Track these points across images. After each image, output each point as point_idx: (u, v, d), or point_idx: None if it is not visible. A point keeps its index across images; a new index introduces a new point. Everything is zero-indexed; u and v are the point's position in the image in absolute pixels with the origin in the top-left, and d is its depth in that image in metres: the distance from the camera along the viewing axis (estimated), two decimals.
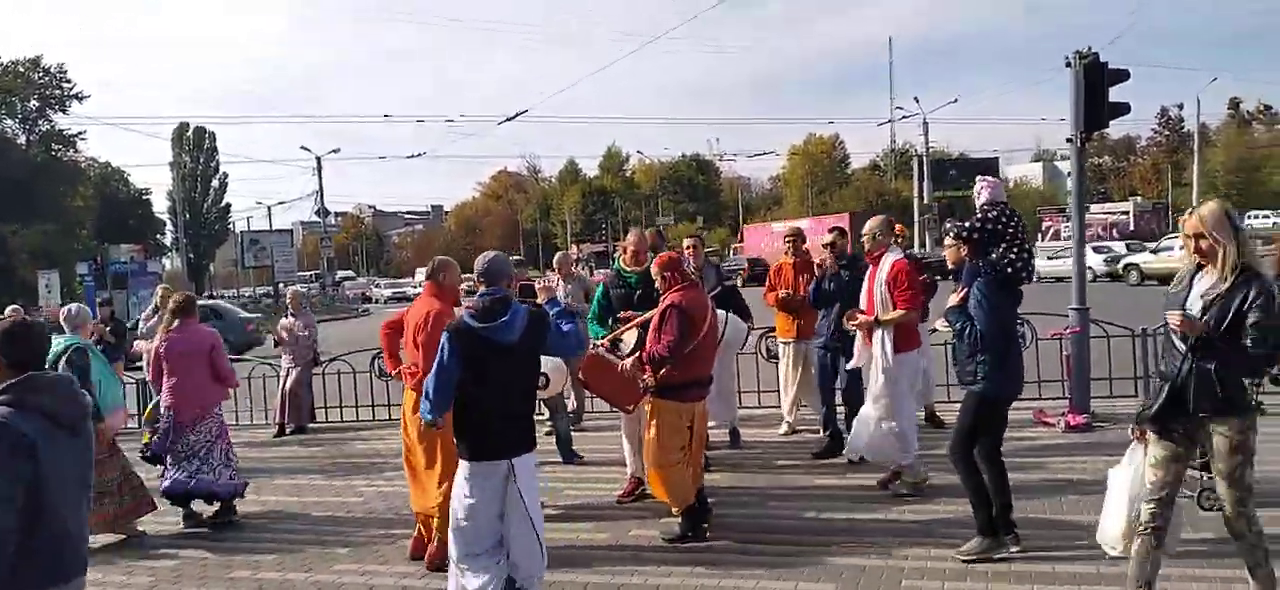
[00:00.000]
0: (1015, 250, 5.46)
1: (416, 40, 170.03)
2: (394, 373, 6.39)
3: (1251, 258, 3.87)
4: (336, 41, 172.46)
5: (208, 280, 74.86)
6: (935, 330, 6.65)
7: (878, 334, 6.41)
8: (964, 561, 5.09)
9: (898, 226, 9.02)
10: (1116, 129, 67.75)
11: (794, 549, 5.60)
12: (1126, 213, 47.71)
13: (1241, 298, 3.77)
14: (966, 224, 5.82)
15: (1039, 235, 50.68)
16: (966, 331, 5.10)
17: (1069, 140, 9.03)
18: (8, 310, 11.55)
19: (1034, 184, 74.79)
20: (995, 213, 5.77)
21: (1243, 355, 3.77)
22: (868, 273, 6.69)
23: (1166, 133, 70.72)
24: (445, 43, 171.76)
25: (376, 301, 56.47)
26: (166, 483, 6.98)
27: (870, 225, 6.77)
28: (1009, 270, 5.43)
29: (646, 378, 5.84)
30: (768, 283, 8.77)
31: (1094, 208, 47.84)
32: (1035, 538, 5.33)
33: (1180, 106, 68.38)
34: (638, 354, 5.94)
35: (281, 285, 45.82)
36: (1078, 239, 9.18)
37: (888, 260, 6.52)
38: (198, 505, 7.09)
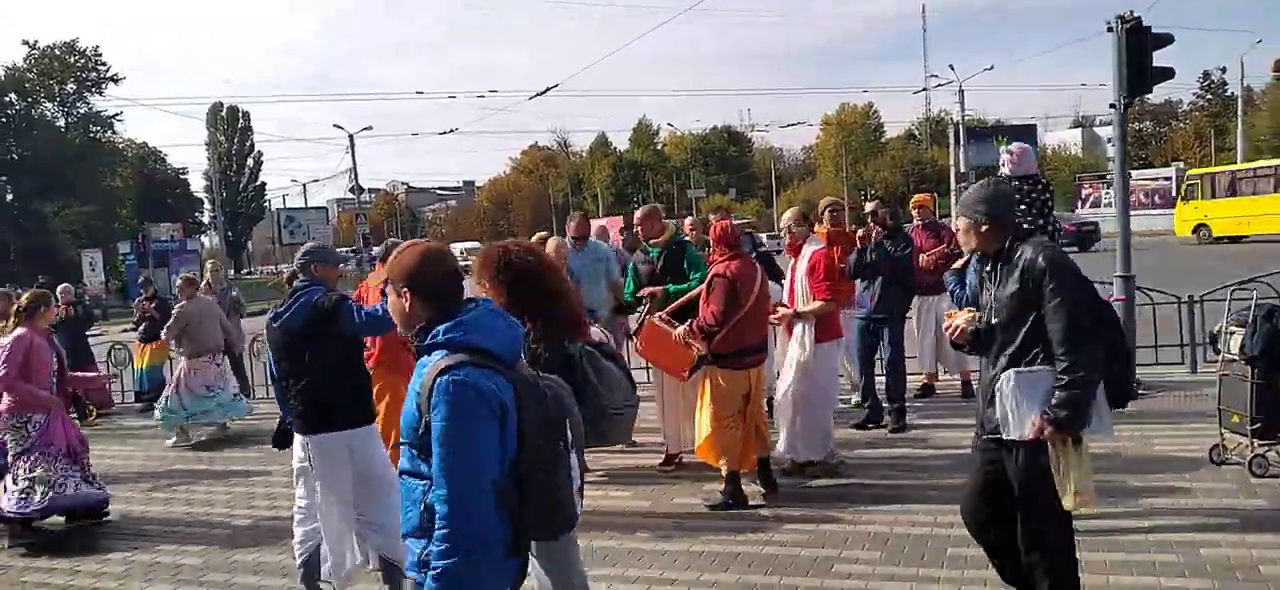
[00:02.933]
0: (1027, 221, 5.34)
1: (450, 15, 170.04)
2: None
3: None
4: (370, 21, 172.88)
5: (246, 257, 75.86)
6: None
7: (798, 326, 6.41)
8: None
9: (920, 199, 8.97)
10: (1158, 93, 66.33)
11: (836, 517, 5.62)
12: (1169, 179, 46.74)
13: None
14: None
15: (1079, 202, 49.91)
16: (955, 295, 5.12)
17: (1112, 106, 8.88)
18: (59, 289, 11.80)
19: (1073, 150, 73.55)
20: (1010, 187, 5.69)
21: None
22: (790, 265, 6.68)
23: (1209, 97, 69.12)
24: (477, 17, 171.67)
25: None
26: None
27: (786, 218, 6.80)
28: None
29: (699, 346, 5.89)
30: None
31: (1136, 174, 46.96)
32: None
33: (1223, 69, 66.79)
34: (689, 323, 6.01)
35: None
36: (1121, 205, 9.04)
37: (807, 250, 6.52)
38: None
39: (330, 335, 4.52)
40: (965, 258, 5.37)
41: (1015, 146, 6.07)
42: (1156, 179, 48.62)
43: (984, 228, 3.67)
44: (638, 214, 7.59)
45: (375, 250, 9.79)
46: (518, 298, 3.42)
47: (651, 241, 7.21)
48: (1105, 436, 3.71)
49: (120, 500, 7.39)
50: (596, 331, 5.19)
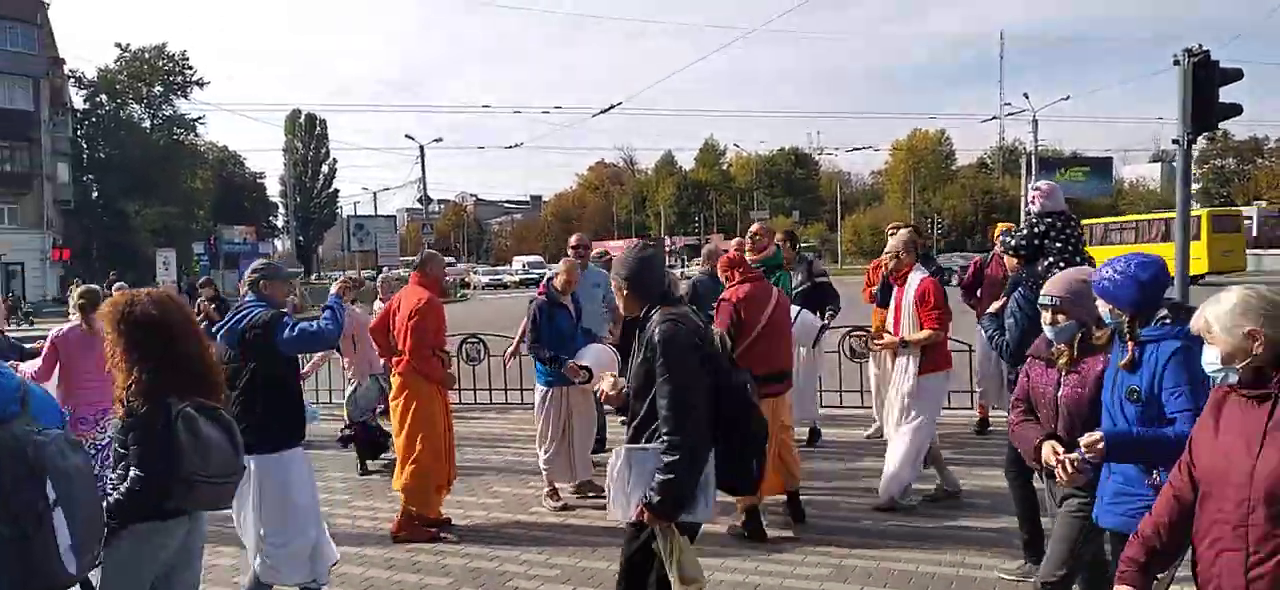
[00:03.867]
0: (1062, 263, 5.21)
1: (520, 30, 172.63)
2: (389, 363, 6.73)
3: None
4: (447, 34, 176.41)
5: (316, 262, 77.67)
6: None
7: (903, 356, 6.20)
8: (1010, 581, 4.94)
9: (1006, 224, 8.75)
10: (1242, 130, 64.26)
11: (862, 551, 5.52)
12: (1250, 218, 45.19)
13: None
14: (1014, 238, 5.68)
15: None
16: (995, 341, 5.02)
17: (1175, 141, 8.66)
18: (115, 285, 12.21)
19: (1151, 184, 71.54)
20: (1043, 226, 5.54)
21: None
22: (895, 292, 6.46)
23: None
24: (546, 34, 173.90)
25: (475, 289, 57.64)
26: None
27: (895, 243, 6.49)
28: None
29: None
30: (866, 279, 8.67)
31: (1211, 211, 45.54)
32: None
33: None
34: None
35: (384, 268, 47.44)
36: (1181, 243, 8.80)
37: (914, 278, 6.29)
38: None
39: (265, 354, 4.56)
40: (1002, 300, 5.28)
41: (1043, 184, 5.93)
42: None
43: (624, 292, 3.63)
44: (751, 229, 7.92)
45: (384, 273, 9.94)
46: (137, 349, 3.23)
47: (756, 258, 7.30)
48: (703, 518, 3.51)
49: None
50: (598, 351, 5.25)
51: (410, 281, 6.60)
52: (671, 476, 3.27)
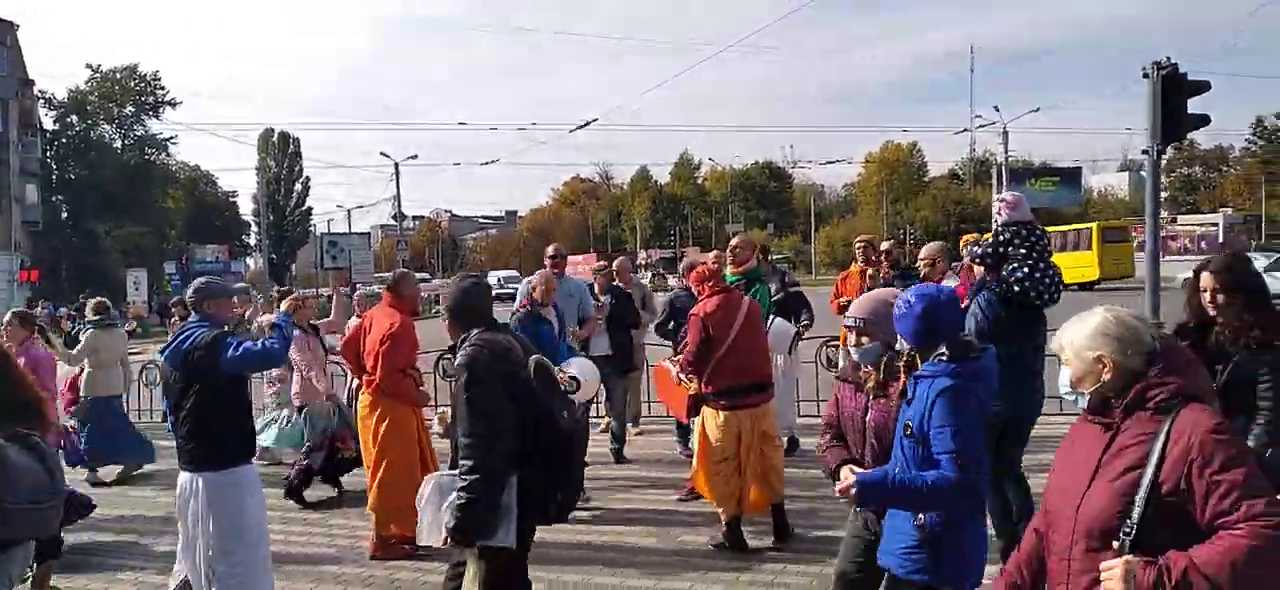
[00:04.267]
0: (1025, 270, 5.31)
1: (494, 52, 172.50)
2: (360, 381, 6.67)
3: None
4: (420, 55, 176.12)
5: (289, 280, 77.09)
6: None
7: None
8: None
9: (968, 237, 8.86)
10: (1208, 139, 65.30)
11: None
12: (1216, 225, 45.86)
13: None
14: (980, 247, 5.78)
15: None
16: None
17: (1144, 152, 8.78)
18: (90, 304, 12.04)
19: (1120, 193, 72.50)
20: (1007, 234, 5.63)
21: None
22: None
23: (1261, 142, 67.86)
24: (521, 53, 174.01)
25: None
26: None
27: (932, 249, 6.76)
28: (1016, 289, 5.29)
29: (692, 386, 5.92)
30: (834, 290, 8.71)
31: (1181, 219, 46.26)
32: None
33: (1278, 115, 65.66)
34: (679, 362, 6.07)
35: (358, 285, 47.24)
36: (1151, 252, 8.92)
37: (948, 285, 6.38)
38: None
39: (210, 374, 4.52)
40: (966, 302, 5.33)
41: (1009, 195, 6.01)
42: (1203, 225, 47.75)
43: (445, 322, 3.67)
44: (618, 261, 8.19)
45: (360, 288, 9.87)
46: None
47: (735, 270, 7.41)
48: (505, 543, 3.46)
49: (133, 521, 7.53)
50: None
51: (383, 301, 6.53)
52: (468, 501, 3.26)
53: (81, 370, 9.19)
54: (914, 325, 3.05)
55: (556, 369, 6.35)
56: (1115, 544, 2.19)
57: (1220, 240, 40.17)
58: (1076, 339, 2.40)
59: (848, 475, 3.10)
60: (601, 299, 8.40)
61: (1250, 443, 3.47)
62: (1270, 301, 3.78)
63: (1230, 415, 3.31)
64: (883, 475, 3.01)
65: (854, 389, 3.46)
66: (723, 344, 5.74)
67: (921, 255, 6.92)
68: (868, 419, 3.35)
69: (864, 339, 3.38)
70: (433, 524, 3.47)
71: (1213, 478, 2.11)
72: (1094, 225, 37.11)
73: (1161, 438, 2.21)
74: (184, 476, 4.62)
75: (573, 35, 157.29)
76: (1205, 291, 3.75)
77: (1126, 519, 2.19)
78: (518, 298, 7.91)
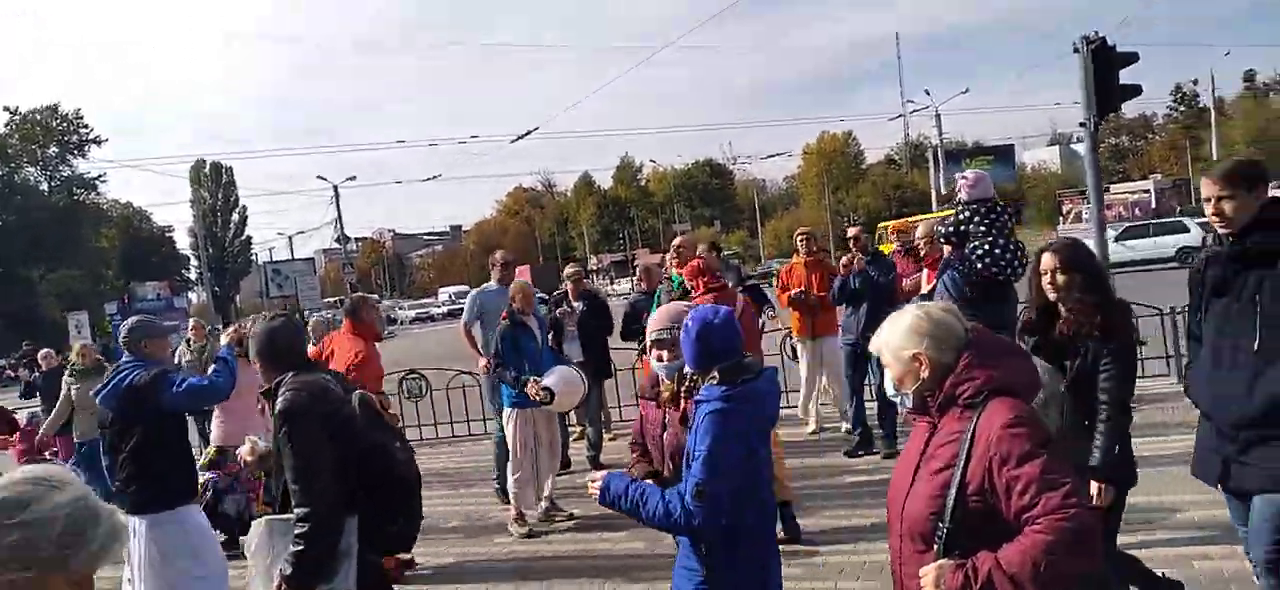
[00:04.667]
0: (985, 246, 5.44)
1: (421, 67, 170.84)
2: None
3: None
4: (345, 75, 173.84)
5: (235, 313, 75.60)
6: None
7: None
8: None
9: (897, 224, 9.11)
10: (1132, 109, 67.09)
11: (834, 548, 5.64)
12: (1147, 191, 47.22)
13: None
14: (944, 227, 5.91)
15: (1061, 219, 50.28)
16: None
17: (1082, 124, 9.05)
18: (41, 354, 11.74)
19: (1052, 167, 74.25)
20: (967, 213, 5.77)
21: None
22: (925, 276, 6.82)
23: (1182, 109, 70.02)
24: (451, 69, 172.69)
25: (402, 323, 56.80)
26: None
27: (922, 232, 7.06)
28: (979, 266, 5.44)
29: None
30: (779, 282, 8.83)
31: (1114, 188, 47.52)
32: None
33: (1195, 82, 67.81)
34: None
35: (307, 312, 46.48)
36: (1097, 222, 9.20)
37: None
38: None
39: (148, 413, 4.49)
40: (932, 284, 5.50)
41: (970, 173, 6.07)
42: (1135, 192, 49.11)
43: (257, 366, 3.63)
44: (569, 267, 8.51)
45: (322, 312, 9.71)
46: None
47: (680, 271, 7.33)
48: (344, 587, 3.33)
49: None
50: None
51: (344, 328, 6.45)
52: (302, 548, 3.20)
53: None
54: (691, 348, 2.95)
55: (531, 378, 6.45)
56: (935, 545, 2.19)
57: (1153, 206, 41.32)
58: (892, 339, 2.37)
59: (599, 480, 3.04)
60: (574, 305, 8.42)
61: (1099, 440, 3.41)
62: (1109, 290, 3.67)
63: (1081, 410, 3.35)
64: (628, 483, 2.96)
65: (656, 404, 3.27)
66: None
67: (919, 235, 7.46)
68: (665, 437, 3.16)
69: (665, 353, 3.17)
70: (264, 573, 3.36)
71: (1011, 475, 2.10)
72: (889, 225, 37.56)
73: (969, 435, 2.19)
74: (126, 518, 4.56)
75: (500, 47, 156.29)
76: (1046, 273, 3.59)
77: (940, 520, 2.18)
78: (467, 310, 7.90)
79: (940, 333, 2.31)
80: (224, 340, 5.16)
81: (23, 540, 1.52)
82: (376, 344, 6.52)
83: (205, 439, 8.34)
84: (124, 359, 4.73)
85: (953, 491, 2.17)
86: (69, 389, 8.99)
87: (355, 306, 6.55)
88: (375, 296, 64.37)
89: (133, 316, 5.23)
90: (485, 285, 8.10)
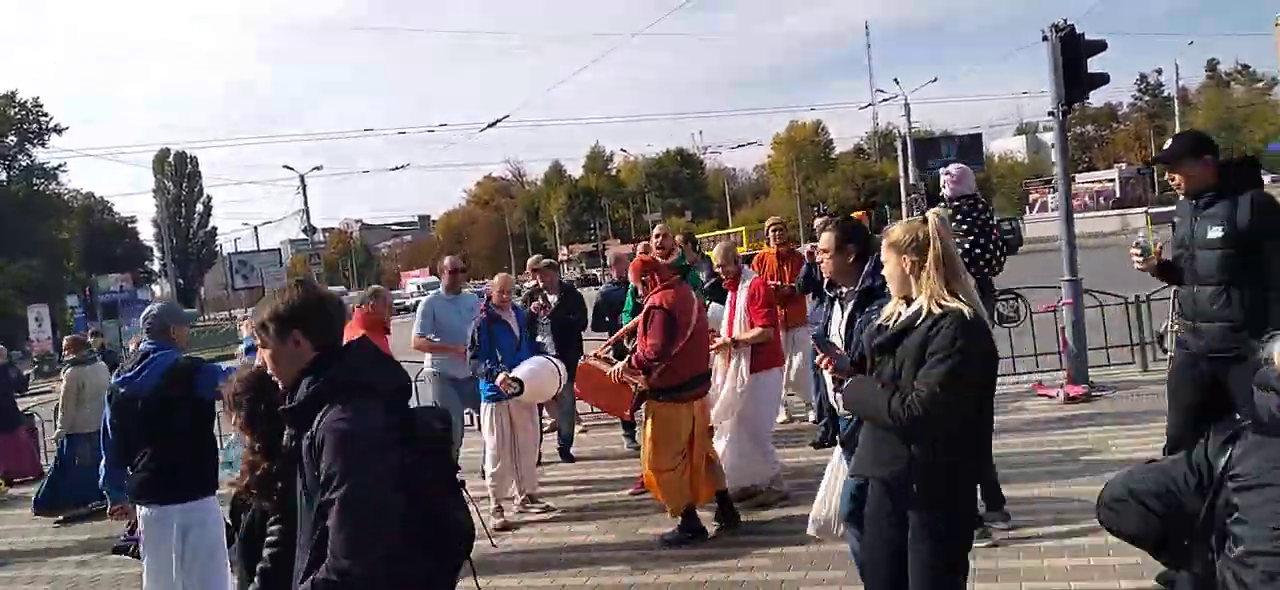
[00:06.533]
0: (969, 242, 5.43)
1: (387, 55, 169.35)
2: None
3: None
4: (310, 61, 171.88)
5: (199, 304, 74.67)
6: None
7: (735, 356, 6.30)
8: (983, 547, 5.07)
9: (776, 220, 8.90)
10: (1097, 97, 67.62)
11: (800, 539, 5.58)
12: (1113, 180, 47.87)
13: None
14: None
15: (1027, 208, 50.81)
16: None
17: (1051, 113, 9.06)
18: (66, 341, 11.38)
19: (1019, 157, 74.97)
20: (949, 210, 5.76)
21: None
22: (728, 297, 6.57)
23: (1147, 98, 70.96)
24: (418, 55, 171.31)
25: None
26: None
27: (717, 255, 6.79)
28: (964, 261, 5.43)
29: (639, 382, 5.77)
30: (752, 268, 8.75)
31: (1080, 177, 48.11)
32: (1040, 511, 5.38)
33: (1159, 71, 68.73)
34: (628, 358, 5.89)
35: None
36: (1065, 210, 9.21)
37: (745, 280, 6.49)
38: None
39: (185, 399, 4.40)
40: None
41: (954, 168, 5.98)
42: (1100, 181, 49.75)
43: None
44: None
45: (351, 295, 9.42)
46: None
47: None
48: None
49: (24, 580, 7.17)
50: None
51: (355, 320, 6.18)
52: None
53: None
54: None
55: (503, 372, 6.34)
56: None
57: (1118, 195, 41.86)
58: None
59: None
60: (548, 298, 8.28)
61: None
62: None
63: None
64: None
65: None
66: (685, 334, 5.62)
67: (716, 262, 7.13)
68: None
69: None
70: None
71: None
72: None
73: None
74: (150, 511, 4.43)
75: (467, 34, 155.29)
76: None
77: None
78: (419, 322, 7.48)
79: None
80: (245, 330, 5.05)
81: None
82: (386, 336, 6.25)
83: None
84: (146, 344, 4.58)
85: None
86: (78, 379, 8.73)
87: (373, 296, 6.39)
88: (341, 287, 63.81)
89: (156, 304, 5.10)
90: (433, 294, 7.88)
